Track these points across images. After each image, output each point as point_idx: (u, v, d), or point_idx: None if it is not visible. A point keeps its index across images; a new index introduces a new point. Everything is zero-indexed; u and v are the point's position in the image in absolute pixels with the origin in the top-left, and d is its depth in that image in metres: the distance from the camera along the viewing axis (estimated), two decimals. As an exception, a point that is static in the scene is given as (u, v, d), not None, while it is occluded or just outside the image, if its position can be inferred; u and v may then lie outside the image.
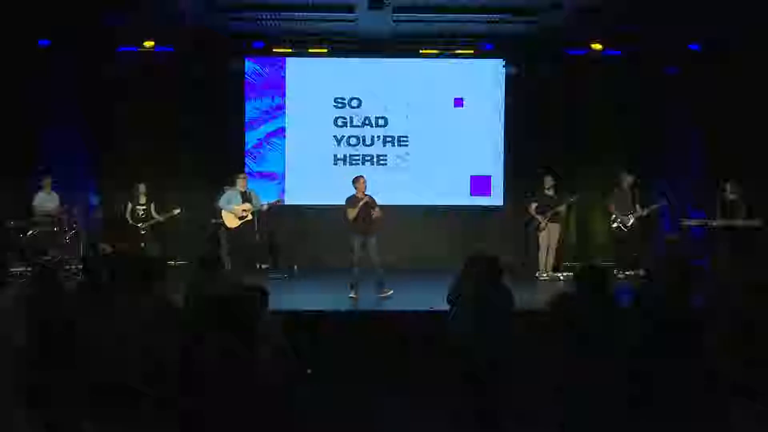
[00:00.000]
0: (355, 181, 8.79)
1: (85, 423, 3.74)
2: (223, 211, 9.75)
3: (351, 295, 8.50)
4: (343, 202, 8.74)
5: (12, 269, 8.70)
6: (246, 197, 9.76)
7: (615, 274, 9.96)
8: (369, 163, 11.45)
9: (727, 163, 9.87)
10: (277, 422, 4.10)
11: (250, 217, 9.76)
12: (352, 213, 8.63)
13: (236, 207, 9.69)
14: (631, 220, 10.25)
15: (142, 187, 10.27)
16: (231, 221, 9.73)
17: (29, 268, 8.49)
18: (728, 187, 9.55)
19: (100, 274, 4.92)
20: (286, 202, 10.88)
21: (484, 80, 11.46)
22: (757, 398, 3.24)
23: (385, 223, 8.89)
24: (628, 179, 10.34)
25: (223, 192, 9.91)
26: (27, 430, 3.66)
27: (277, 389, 4.65)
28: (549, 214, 10.20)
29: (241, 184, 9.81)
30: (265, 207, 9.90)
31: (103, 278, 4.87)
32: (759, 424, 3.19)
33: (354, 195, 8.74)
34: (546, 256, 10.29)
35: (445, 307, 5.33)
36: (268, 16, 9.84)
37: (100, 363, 3.91)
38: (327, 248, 11.06)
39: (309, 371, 5.66)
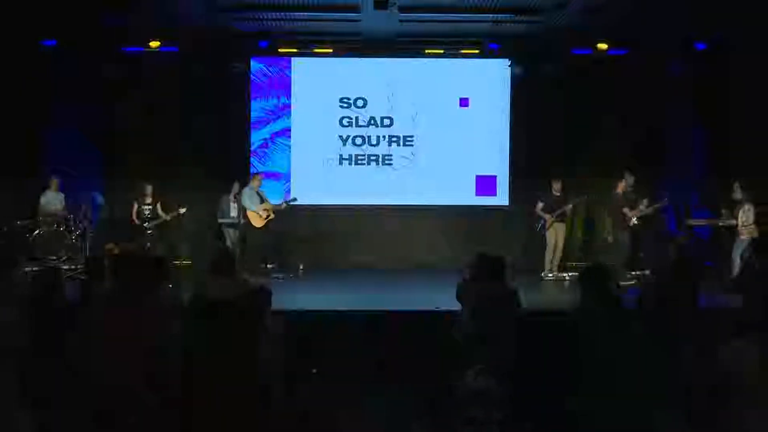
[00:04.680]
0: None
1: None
2: (248, 211, 9.94)
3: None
4: (350, 202, 8.78)
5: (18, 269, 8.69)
6: (261, 196, 9.96)
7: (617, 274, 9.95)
8: (374, 163, 11.45)
9: (730, 162, 9.83)
10: (279, 420, 4.10)
11: (273, 216, 9.95)
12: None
13: (258, 206, 9.93)
14: (633, 220, 10.20)
15: (149, 188, 10.25)
16: (257, 221, 9.95)
17: (35, 269, 8.49)
18: (737, 187, 9.51)
19: (105, 274, 4.93)
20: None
21: (489, 80, 11.44)
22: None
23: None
24: (630, 179, 10.30)
25: (242, 190, 10.08)
26: (27, 430, 3.66)
27: (279, 388, 4.65)
28: (555, 214, 10.18)
29: (256, 184, 9.96)
30: (283, 206, 10.03)
31: (108, 278, 4.89)
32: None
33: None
34: (552, 256, 10.28)
35: (451, 307, 5.33)
36: (274, 17, 9.84)
37: (102, 364, 3.92)
38: (332, 248, 11.08)
39: (314, 371, 5.66)
